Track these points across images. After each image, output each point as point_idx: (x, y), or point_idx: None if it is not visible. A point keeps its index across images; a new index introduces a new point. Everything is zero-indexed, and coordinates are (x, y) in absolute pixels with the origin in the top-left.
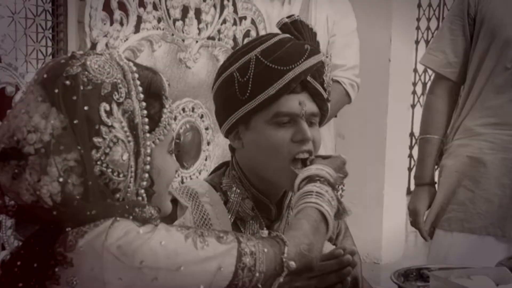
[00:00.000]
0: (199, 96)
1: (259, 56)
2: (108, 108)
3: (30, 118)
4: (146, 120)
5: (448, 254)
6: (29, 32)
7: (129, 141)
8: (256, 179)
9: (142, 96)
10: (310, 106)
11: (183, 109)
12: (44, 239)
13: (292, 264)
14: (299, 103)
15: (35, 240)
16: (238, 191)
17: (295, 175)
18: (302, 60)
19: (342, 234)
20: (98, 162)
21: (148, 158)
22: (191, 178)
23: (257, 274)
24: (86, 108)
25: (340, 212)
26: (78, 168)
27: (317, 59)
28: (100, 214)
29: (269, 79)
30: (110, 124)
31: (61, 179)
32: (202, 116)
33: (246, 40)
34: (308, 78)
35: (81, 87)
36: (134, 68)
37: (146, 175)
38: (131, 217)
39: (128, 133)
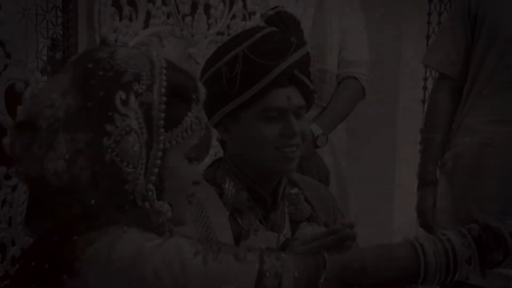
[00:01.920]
0: None
1: (246, 52)
2: (124, 97)
3: (51, 92)
4: (163, 115)
5: None
6: (40, 29)
7: (142, 133)
8: (249, 169)
9: (163, 90)
10: (298, 100)
11: None
12: (54, 245)
13: None
14: (287, 97)
15: (43, 244)
16: (232, 183)
17: (284, 157)
18: (289, 54)
19: None
20: (109, 150)
21: (160, 153)
22: None
23: None
24: (101, 93)
25: None
26: (87, 151)
27: (303, 51)
28: (109, 214)
29: (257, 75)
30: (123, 112)
31: (67, 156)
32: None
33: None
34: (295, 71)
35: (101, 72)
36: (165, 65)
37: (156, 169)
38: (142, 223)
39: (142, 125)
